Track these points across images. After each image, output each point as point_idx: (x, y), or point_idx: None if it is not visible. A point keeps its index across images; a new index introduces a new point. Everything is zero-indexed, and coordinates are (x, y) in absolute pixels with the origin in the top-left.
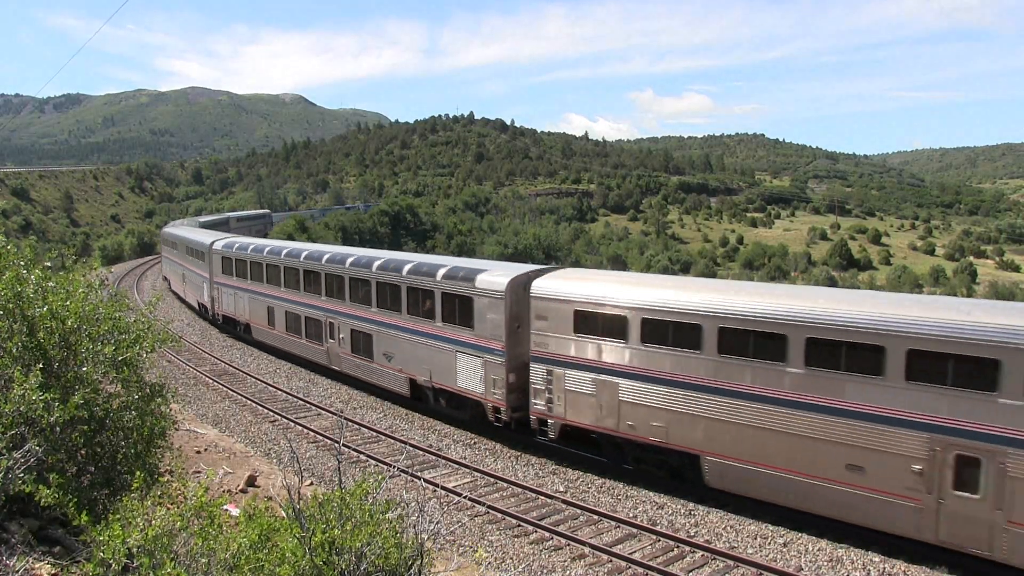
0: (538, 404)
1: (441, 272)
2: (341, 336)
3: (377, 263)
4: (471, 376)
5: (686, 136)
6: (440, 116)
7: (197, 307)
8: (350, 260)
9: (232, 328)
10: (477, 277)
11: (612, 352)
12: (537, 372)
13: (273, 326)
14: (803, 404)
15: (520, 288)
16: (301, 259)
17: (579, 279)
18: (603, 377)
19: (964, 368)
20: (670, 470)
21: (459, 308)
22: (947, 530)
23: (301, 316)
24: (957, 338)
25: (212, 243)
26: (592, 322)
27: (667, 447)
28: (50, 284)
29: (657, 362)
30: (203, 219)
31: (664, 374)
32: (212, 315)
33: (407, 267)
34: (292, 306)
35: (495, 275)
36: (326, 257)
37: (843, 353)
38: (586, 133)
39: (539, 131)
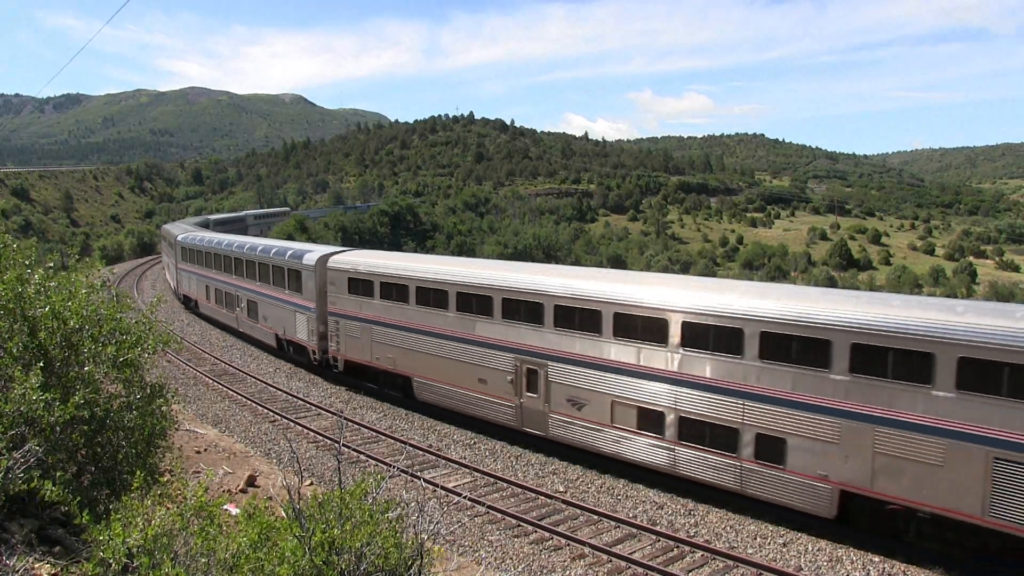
0: (332, 346)
1: (288, 253)
2: (242, 305)
3: (259, 248)
4: (302, 329)
5: (686, 136)
6: (440, 116)
7: (172, 289)
8: (246, 246)
9: (189, 304)
10: (303, 256)
11: (367, 307)
12: (331, 323)
13: (210, 301)
14: (455, 337)
15: (325, 263)
16: (223, 246)
17: (354, 256)
18: (365, 325)
19: (529, 309)
20: (400, 389)
21: (295, 279)
22: (526, 420)
23: (223, 292)
24: (527, 290)
25: (178, 236)
26: (358, 286)
27: (396, 372)
28: (52, 284)
29: (389, 312)
30: (215, 217)
31: (393, 321)
32: (177, 294)
33: (272, 250)
34: (219, 284)
35: (312, 254)
36: (235, 245)
37: (472, 301)
38: (586, 133)
39: (539, 131)
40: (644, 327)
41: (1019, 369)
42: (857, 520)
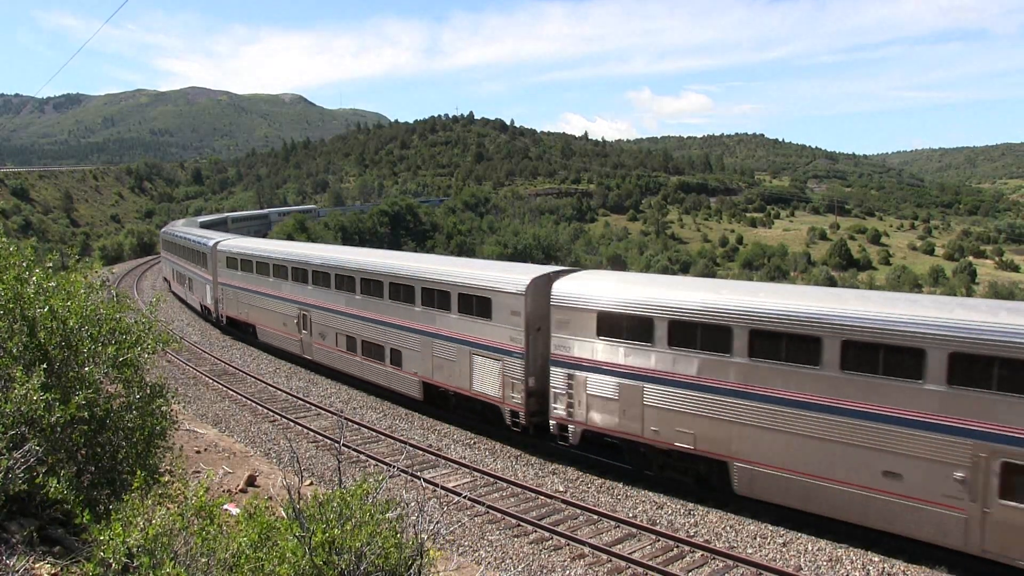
0: (221, 307)
1: (202, 242)
2: (186, 282)
3: (193, 238)
4: (208, 296)
5: (685, 136)
6: (440, 116)
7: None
8: (189, 237)
9: (169, 287)
10: (207, 243)
11: (236, 277)
12: (219, 290)
13: (174, 281)
14: (273, 296)
15: (217, 247)
16: (180, 238)
17: (231, 241)
18: (235, 290)
19: (301, 274)
20: (252, 334)
21: (205, 260)
22: (304, 349)
23: (180, 273)
24: (298, 261)
25: (162, 230)
26: (232, 263)
27: (248, 322)
28: (51, 284)
29: (246, 280)
30: (234, 214)
31: (246, 286)
32: (163, 278)
33: (198, 240)
34: (178, 268)
35: (211, 242)
36: (184, 236)
37: (279, 270)
38: (586, 133)
39: (539, 131)
40: (346, 282)
41: (480, 299)
42: (432, 400)
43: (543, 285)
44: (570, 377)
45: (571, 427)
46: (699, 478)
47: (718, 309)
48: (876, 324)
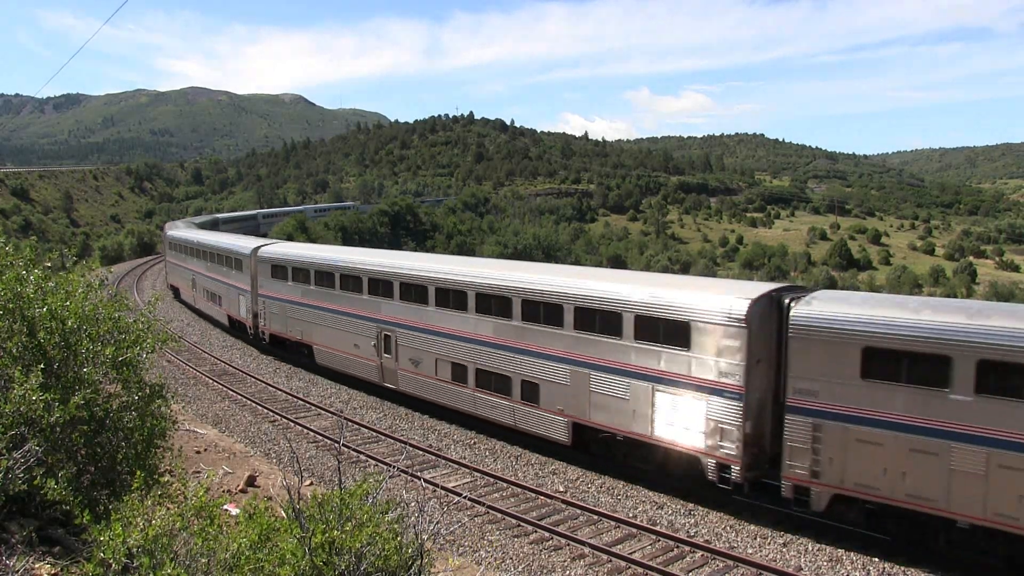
0: (168, 278)
1: (166, 232)
2: (180, 271)
3: (165, 231)
4: (166, 271)
5: (685, 136)
6: (440, 116)
7: None
8: (164, 230)
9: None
10: (167, 233)
11: (177, 257)
12: (168, 265)
13: (164, 264)
14: (184, 268)
15: (167, 236)
16: (165, 231)
17: (175, 231)
18: (176, 266)
19: (192, 253)
20: (178, 295)
21: (165, 246)
22: (195, 302)
23: (176, 263)
24: (191, 244)
25: (162, 228)
26: (175, 246)
27: (176, 288)
28: (50, 284)
29: (180, 259)
30: (264, 211)
31: (180, 264)
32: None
33: (165, 232)
34: (176, 260)
35: (167, 231)
36: (164, 230)
37: (189, 251)
38: (585, 133)
39: (538, 131)
40: (204, 255)
41: (238, 261)
42: (232, 325)
43: (259, 251)
44: (264, 304)
45: (264, 333)
46: (308, 357)
47: (302, 258)
48: (331, 263)
